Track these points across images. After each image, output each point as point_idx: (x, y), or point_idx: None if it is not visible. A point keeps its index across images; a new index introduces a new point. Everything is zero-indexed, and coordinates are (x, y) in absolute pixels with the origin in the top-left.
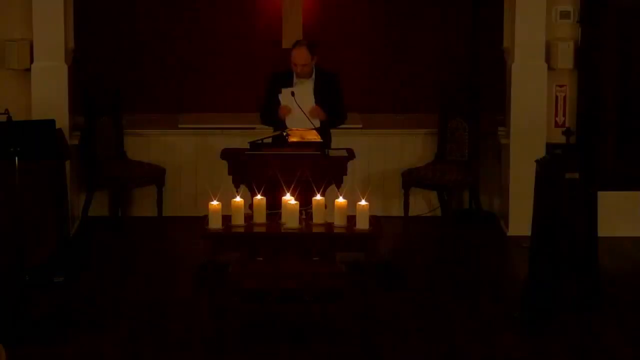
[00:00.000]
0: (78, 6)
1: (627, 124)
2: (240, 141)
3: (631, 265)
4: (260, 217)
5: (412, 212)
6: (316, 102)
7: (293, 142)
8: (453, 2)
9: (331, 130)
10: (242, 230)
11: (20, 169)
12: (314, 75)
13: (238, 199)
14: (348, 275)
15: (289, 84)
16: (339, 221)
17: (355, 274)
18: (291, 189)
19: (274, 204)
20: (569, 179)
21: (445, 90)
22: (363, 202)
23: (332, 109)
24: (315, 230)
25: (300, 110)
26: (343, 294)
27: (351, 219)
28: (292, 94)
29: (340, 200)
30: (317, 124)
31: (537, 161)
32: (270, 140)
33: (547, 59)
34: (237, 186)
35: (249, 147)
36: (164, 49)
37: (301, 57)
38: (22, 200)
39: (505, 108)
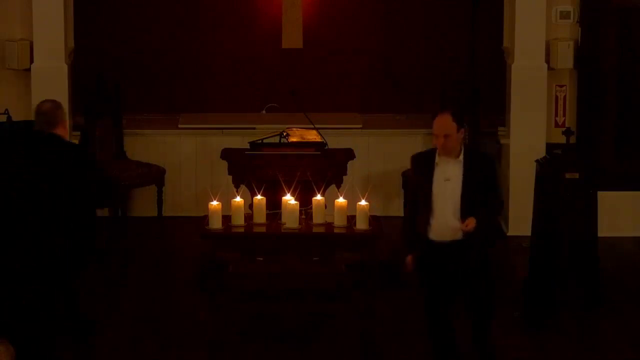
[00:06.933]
0: (78, 6)
1: (626, 124)
2: (240, 141)
3: (631, 265)
4: (260, 217)
5: None
6: (464, 190)
7: (293, 142)
8: (453, 2)
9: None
10: (242, 230)
11: None
12: (462, 156)
13: (238, 199)
14: (348, 275)
15: (431, 164)
16: (339, 221)
17: (355, 274)
18: (291, 189)
19: (274, 204)
20: (569, 179)
21: (445, 90)
22: (363, 202)
23: (484, 199)
24: (315, 230)
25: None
26: (343, 294)
27: (351, 219)
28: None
29: (340, 200)
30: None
31: (537, 161)
32: (270, 140)
33: (547, 59)
34: (237, 186)
35: (249, 147)
36: (164, 49)
37: (442, 126)
38: None
39: (505, 108)
